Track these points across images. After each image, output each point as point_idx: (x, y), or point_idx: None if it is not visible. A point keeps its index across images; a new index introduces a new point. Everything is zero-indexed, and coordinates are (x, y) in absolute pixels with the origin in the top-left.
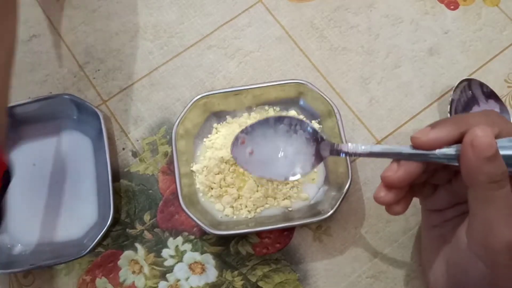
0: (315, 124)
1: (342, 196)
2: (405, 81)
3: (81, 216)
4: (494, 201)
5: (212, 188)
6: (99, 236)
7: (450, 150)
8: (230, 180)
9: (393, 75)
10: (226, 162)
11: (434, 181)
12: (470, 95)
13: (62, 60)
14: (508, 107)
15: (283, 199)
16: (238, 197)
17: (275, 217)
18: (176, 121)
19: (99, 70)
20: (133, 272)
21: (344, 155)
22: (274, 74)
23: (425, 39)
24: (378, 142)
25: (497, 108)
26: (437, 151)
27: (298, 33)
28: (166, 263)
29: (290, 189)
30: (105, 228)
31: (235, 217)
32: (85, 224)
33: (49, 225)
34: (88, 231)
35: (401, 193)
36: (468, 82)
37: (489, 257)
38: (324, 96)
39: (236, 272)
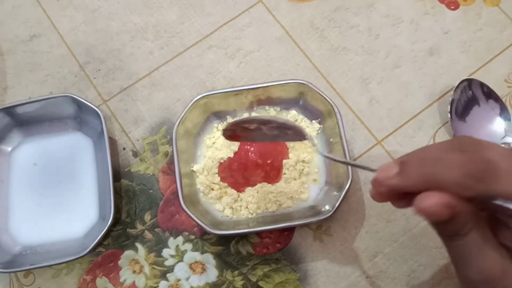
0: (316, 124)
1: (342, 196)
2: (405, 81)
3: (81, 216)
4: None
5: (212, 189)
6: (100, 236)
7: None
8: None
9: (393, 75)
10: None
11: None
12: (470, 95)
13: (62, 60)
14: (508, 107)
15: (284, 199)
16: (238, 198)
17: (276, 217)
18: (176, 121)
19: (99, 70)
20: (134, 272)
21: None
22: (274, 74)
23: (425, 39)
24: (379, 142)
25: (497, 108)
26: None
27: (298, 33)
28: (166, 263)
29: (290, 189)
30: (106, 228)
31: (235, 217)
32: (86, 224)
33: (50, 224)
34: (88, 231)
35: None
36: (468, 82)
37: None
38: (325, 96)
39: (236, 272)
